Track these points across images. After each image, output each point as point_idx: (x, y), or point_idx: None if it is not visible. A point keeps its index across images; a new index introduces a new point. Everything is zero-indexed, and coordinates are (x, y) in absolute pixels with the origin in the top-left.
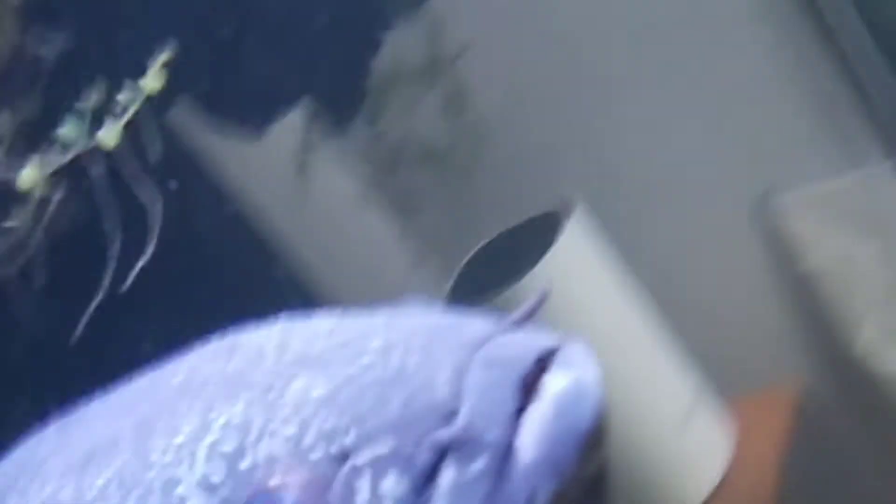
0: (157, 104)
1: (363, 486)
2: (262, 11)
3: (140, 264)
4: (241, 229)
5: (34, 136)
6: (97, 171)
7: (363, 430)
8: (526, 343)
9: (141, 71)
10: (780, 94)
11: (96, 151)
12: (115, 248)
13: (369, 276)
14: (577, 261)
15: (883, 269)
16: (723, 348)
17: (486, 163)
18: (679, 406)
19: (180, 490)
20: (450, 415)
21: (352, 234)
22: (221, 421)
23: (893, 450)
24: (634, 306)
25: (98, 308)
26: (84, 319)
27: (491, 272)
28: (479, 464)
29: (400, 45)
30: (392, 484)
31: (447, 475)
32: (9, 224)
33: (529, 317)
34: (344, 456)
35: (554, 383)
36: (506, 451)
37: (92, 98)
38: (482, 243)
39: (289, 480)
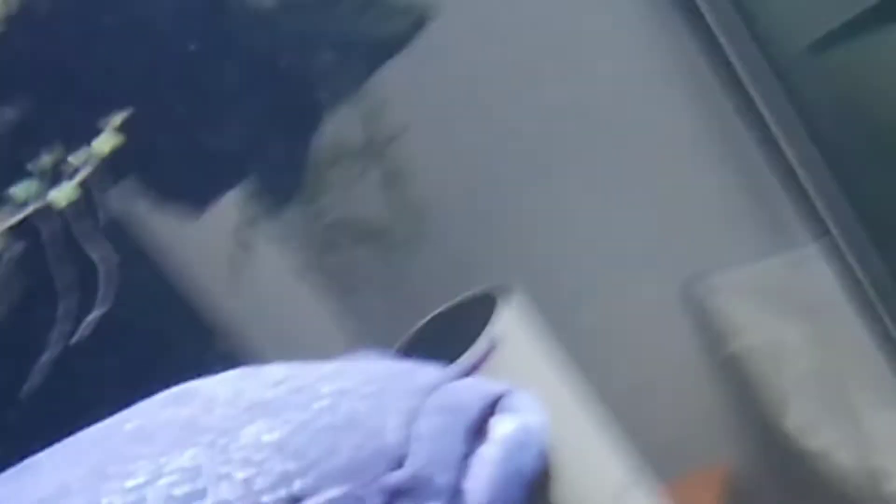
0: (105, 171)
1: None
2: (202, 93)
3: (89, 318)
4: (179, 305)
5: None
6: (49, 229)
7: (315, 474)
8: (474, 389)
9: (94, 133)
10: (708, 178)
11: (49, 210)
12: (66, 304)
13: (306, 355)
14: (510, 342)
15: (811, 349)
16: (655, 430)
17: (424, 243)
18: (612, 488)
19: None
20: (400, 459)
21: (289, 313)
22: (174, 465)
23: None
24: (567, 388)
25: (51, 361)
26: (36, 372)
27: (427, 353)
28: None
29: (339, 126)
30: None
31: None
32: None
33: (478, 366)
34: (295, 500)
35: (501, 427)
36: (455, 494)
37: (45, 159)
38: (419, 324)
39: None
